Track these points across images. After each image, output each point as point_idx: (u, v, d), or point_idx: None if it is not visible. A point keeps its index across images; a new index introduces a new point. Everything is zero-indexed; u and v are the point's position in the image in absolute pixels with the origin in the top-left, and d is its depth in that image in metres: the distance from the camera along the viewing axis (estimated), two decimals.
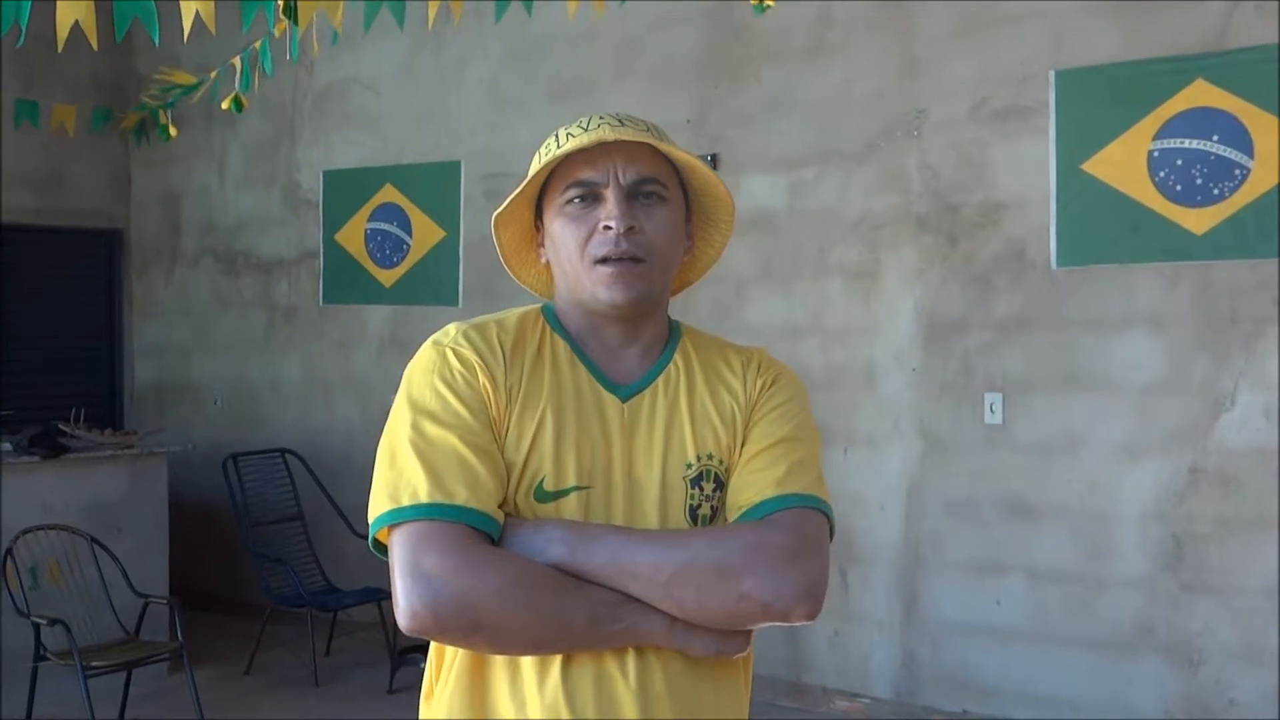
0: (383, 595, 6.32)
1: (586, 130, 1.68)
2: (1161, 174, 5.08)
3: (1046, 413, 5.38)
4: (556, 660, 1.60)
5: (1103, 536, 5.24)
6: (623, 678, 1.60)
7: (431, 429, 1.61)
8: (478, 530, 1.57)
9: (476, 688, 1.65)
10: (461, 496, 1.57)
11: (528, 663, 1.61)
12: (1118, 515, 5.21)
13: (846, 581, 5.79)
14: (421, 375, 1.66)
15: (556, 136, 1.71)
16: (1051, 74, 5.33)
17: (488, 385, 1.64)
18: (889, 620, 5.71)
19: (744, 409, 1.74)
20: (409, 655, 6.23)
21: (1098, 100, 5.23)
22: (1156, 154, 5.10)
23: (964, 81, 5.55)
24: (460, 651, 1.65)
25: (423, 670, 6.18)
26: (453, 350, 1.67)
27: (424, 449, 1.60)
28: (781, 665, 5.93)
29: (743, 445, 1.72)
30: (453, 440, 1.60)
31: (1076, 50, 5.29)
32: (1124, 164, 5.16)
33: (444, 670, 1.69)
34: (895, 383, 5.74)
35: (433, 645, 1.74)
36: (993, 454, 5.49)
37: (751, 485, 1.67)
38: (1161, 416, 5.13)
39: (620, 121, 1.69)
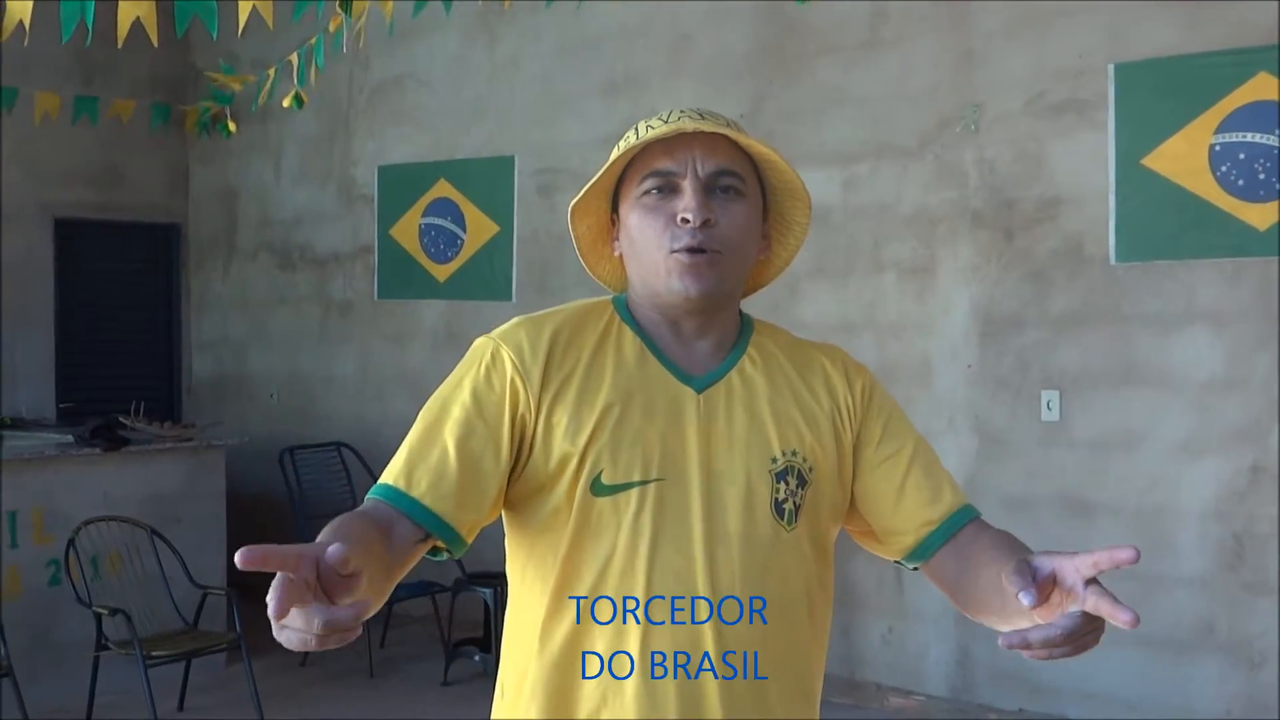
0: (437, 589, 6.36)
1: (666, 122, 1.67)
2: (1223, 168, 5.01)
3: (1104, 410, 5.32)
4: (638, 659, 1.60)
5: (1162, 535, 5.18)
6: (705, 677, 1.60)
7: (436, 418, 1.65)
8: (419, 525, 1.58)
9: (560, 687, 1.63)
10: (419, 489, 1.59)
11: (610, 662, 1.61)
12: (1177, 514, 5.15)
13: (900, 579, 5.75)
14: (459, 365, 1.69)
15: (636, 129, 1.71)
16: (1110, 67, 5.26)
17: (518, 384, 1.64)
18: (944, 617, 5.67)
19: (844, 415, 1.74)
20: (463, 648, 6.26)
21: (1158, 94, 5.17)
22: (1218, 148, 5.03)
23: (1021, 75, 5.50)
24: (543, 651, 1.64)
25: (477, 663, 6.21)
26: (492, 346, 1.67)
27: (420, 434, 1.65)
28: (836, 662, 5.90)
29: (858, 449, 1.74)
30: (445, 436, 1.62)
31: (1135, 43, 5.23)
32: (1185, 158, 5.09)
33: (523, 668, 1.67)
34: (950, 379, 5.70)
35: (506, 642, 1.73)
36: (1049, 451, 5.44)
37: (929, 501, 1.71)
38: (1222, 414, 5.06)
39: (701, 115, 1.68)
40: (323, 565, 1.24)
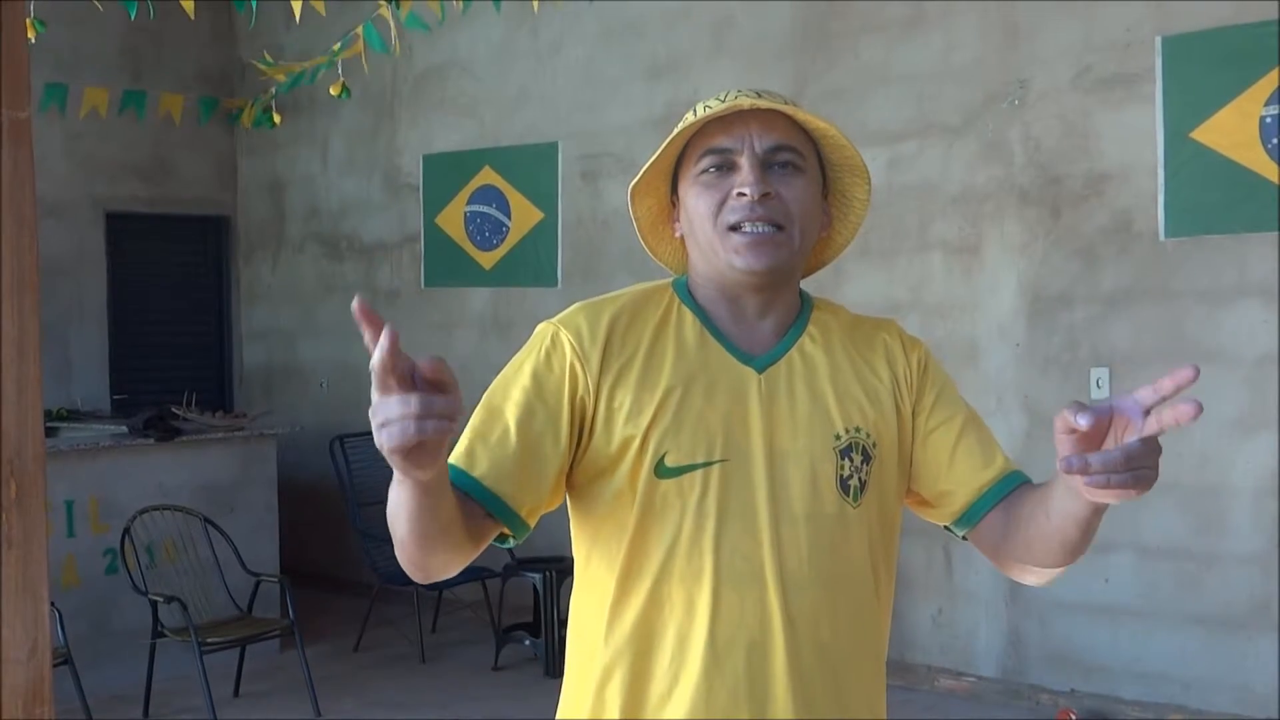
0: (487, 574, 6.39)
1: (723, 101, 1.68)
2: (1274, 141, 4.94)
3: None
4: (707, 640, 1.61)
5: (1215, 512, 5.12)
6: (775, 654, 1.61)
7: (498, 401, 1.65)
8: (478, 502, 1.58)
9: (630, 669, 1.64)
10: (480, 469, 1.60)
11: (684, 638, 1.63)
12: (1230, 490, 5.09)
13: (950, 560, 5.73)
14: (521, 350, 1.70)
15: (694, 109, 1.72)
16: (1158, 40, 5.20)
17: (577, 367, 1.64)
18: (994, 598, 5.65)
19: (903, 387, 1.74)
20: (514, 633, 6.30)
21: (1206, 66, 5.10)
22: (1269, 120, 4.95)
23: (1067, 49, 5.44)
24: (611, 634, 1.65)
25: (527, 647, 6.25)
26: (552, 331, 1.68)
27: (482, 416, 1.65)
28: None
29: (913, 417, 1.73)
30: (506, 417, 1.63)
31: (1183, 15, 5.16)
32: (1235, 131, 5.02)
33: (591, 651, 1.67)
34: (998, 358, 5.66)
35: (573, 626, 1.74)
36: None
37: (981, 466, 1.72)
38: (1275, 390, 5.00)
39: (758, 93, 1.69)
40: (417, 370, 1.27)
